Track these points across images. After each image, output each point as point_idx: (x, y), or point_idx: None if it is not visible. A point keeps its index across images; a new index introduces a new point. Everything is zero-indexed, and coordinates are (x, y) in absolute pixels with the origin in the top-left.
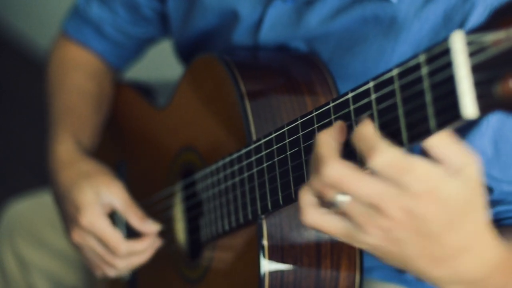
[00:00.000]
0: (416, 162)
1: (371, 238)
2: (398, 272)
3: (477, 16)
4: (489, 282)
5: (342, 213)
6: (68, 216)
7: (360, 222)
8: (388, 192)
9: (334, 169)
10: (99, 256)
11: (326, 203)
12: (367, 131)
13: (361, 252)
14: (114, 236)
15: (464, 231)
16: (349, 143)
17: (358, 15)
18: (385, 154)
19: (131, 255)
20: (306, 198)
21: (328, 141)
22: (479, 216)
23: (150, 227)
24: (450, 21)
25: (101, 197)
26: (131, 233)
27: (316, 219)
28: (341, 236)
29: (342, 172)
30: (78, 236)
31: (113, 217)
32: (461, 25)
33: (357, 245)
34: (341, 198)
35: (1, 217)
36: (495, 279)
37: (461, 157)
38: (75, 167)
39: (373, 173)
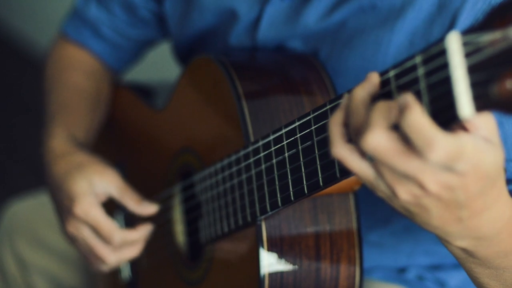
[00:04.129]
0: (466, 144)
1: (395, 199)
2: (398, 273)
3: (472, 4)
4: (497, 239)
5: (373, 165)
6: (62, 208)
7: (390, 183)
8: (432, 170)
9: (378, 139)
10: (91, 248)
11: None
12: (421, 122)
13: (361, 252)
14: (108, 225)
15: (490, 195)
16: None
17: (355, 7)
18: (444, 148)
19: (125, 245)
20: (338, 128)
21: (384, 111)
22: (502, 178)
23: (148, 208)
24: (445, 9)
25: (94, 187)
26: (130, 226)
27: (344, 154)
28: (364, 180)
29: (387, 145)
30: (72, 227)
31: (113, 214)
32: (455, 14)
33: (377, 194)
34: None
35: (1, 217)
36: (503, 238)
37: (489, 125)
38: (68, 158)
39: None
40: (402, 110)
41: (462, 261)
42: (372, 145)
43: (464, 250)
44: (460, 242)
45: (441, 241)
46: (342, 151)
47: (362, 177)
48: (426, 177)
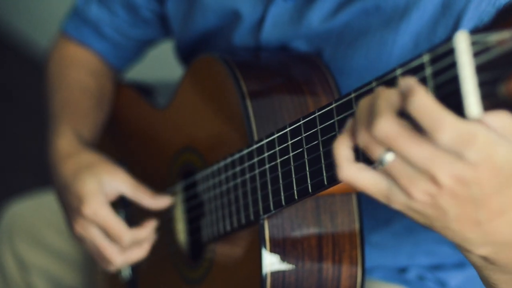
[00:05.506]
0: (478, 131)
1: (412, 201)
2: (399, 272)
3: (475, 5)
4: None
5: (385, 172)
6: (70, 208)
7: (404, 184)
8: (443, 159)
9: (389, 125)
10: (98, 249)
11: (368, 160)
12: (428, 103)
13: (363, 252)
14: (118, 225)
15: (507, 196)
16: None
17: (359, 8)
18: (453, 129)
19: (134, 244)
20: (343, 151)
21: (389, 97)
22: None
23: (164, 201)
24: (449, 10)
25: (103, 186)
26: (132, 225)
27: (353, 174)
28: (378, 195)
29: (398, 129)
30: (80, 227)
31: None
32: (459, 15)
33: (393, 205)
34: (389, 157)
35: (1, 217)
36: None
37: (504, 122)
38: (76, 158)
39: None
40: (407, 95)
41: (480, 269)
42: (383, 131)
43: (485, 258)
44: (482, 250)
45: (461, 251)
46: (350, 172)
47: (375, 192)
48: (439, 168)
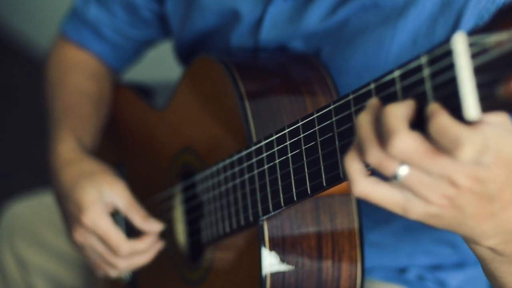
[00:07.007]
0: (489, 136)
1: (431, 207)
2: (398, 273)
3: (475, 2)
4: None
5: (400, 185)
6: (70, 216)
7: (423, 192)
8: (459, 163)
9: (407, 142)
10: (100, 256)
11: (382, 176)
12: (447, 124)
13: (363, 252)
14: (116, 235)
15: None
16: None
17: (358, 5)
18: (471, 144)
19: (133, 255)
20: (355, 166)
21: (399, 112)
22: None
23: (153, 226)
24: (448, 8)
25: (103, 196)
26: (131, 233)
27: (368, 189)
28: (394, 208)
29: (415, 145)
30: (80, 236)
31: (114, 217)
32: (459, 12)
33: (411, 215)
34: (403, 171)
35: (1, 217)
36: None
37: (502, 119)
38: (77, 166)
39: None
40: (428, 119)
41: (487, 261)
42: (401, 148)
43: (493, 249)
44: (491, 241)
45: (469, 244)
46: (365, 187)
47: (392, 204)
48: (456, 172)
